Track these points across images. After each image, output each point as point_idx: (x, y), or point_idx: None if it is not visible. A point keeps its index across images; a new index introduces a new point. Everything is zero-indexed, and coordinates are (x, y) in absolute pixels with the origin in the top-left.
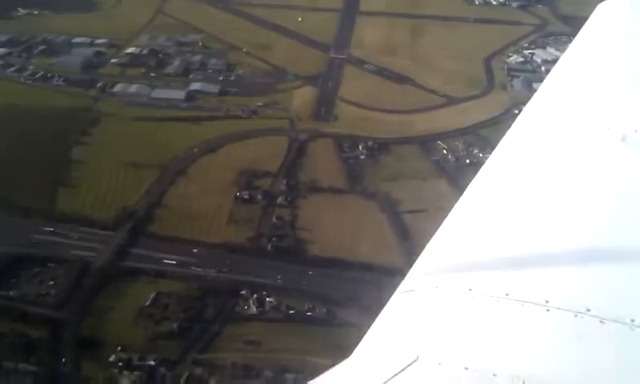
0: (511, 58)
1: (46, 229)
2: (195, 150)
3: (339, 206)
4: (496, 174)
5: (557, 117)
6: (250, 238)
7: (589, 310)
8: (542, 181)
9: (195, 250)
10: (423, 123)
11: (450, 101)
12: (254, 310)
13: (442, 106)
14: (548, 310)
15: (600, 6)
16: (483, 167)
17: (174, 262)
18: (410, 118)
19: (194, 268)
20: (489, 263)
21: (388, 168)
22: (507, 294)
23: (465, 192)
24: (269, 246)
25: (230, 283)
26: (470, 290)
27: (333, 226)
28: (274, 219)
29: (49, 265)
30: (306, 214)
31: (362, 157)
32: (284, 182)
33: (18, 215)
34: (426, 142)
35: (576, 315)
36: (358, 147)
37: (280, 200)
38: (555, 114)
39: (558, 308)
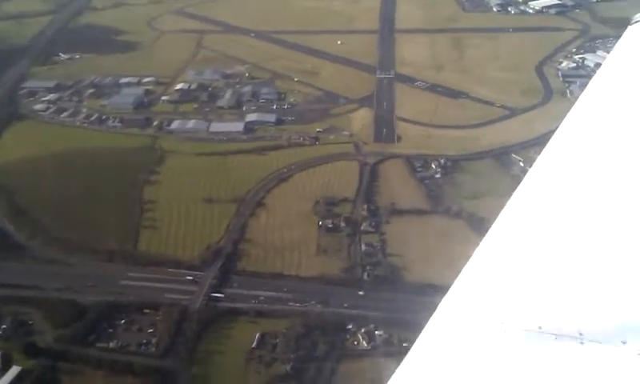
0: (563, 65)
1: (133, 274)
2: (267, 181)
3: (426, 227)
4: (532, 196)
5: (592, 138)
6: (343, 268)
7: (624, 343)
8: (581, 199)
9: (290, 285)
10: (490, 137)
11: (512, 112)
12: (365, 344)
13: (504, 117)
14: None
15: (630, 29)
16: (519, 188)
17: (271, 299)
18: (476, 133)
19: (291, 304)
20: (520, 294)
21: (467, 186)
22: (540, 327)
23: (498, 216)
24: (364, 276)
25: (333, 317)
26: (502, 322)
27: (425, 249)
28: (363, 247)
29: (144, 311)
30: (395, 239)
31: (438, 176)
32: (364, 207)
33: (102, 260)
34: (499, 156)
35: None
36: (430, 166)
37: (364, 226)
38: (590, 135)
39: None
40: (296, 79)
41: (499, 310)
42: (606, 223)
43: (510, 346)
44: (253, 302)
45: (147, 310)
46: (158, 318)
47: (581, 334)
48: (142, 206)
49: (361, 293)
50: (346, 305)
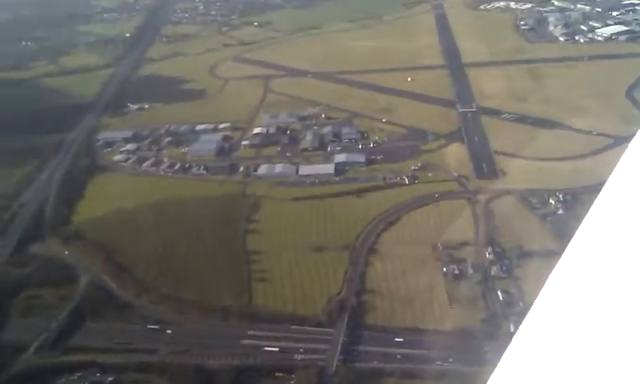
0: None
1: (254, 332)
2: (374, 225)
3: None
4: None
5: None
6: (484, 319)
7: None
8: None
9: (429, 340)
10: (604, 167)
11: (617, 140)
12: None
13: (611, 146)
14: None
15: None
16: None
17: (413, 358)
18: (586, 164)
19: (439, 363)
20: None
21: None
22: None
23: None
24: (511, 328)
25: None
26: None
27: None
28: (499, 295)
29: (277, 375)
30: (533, 285)
31: (560, 212)
32: (488, 250)
33: (218, 319)
34: None
35: None
36: (548, 202)
37: (494, 271)
38: None
39: None
40: (384, 120)
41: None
42: None
43: None
44: (394, 361)
45: (279, 374)
46: (293, 381)
47: None
48: (249, 257)
49: None
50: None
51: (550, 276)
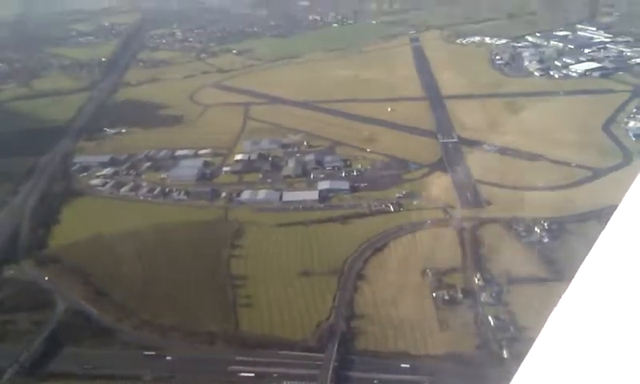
0: (631, 124)
1: (242, 358)
2: (361, 251)
3: (553, 296)
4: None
5: None
6: (477, 345)
7: None
8: None
9: (422, 366)
10: (586, 198)
11: (596, 172)
12: None
13: (591, 178)
14: None
15: None
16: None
17: None
18: (568, 194)
19: None
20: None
21: (584, 249)
22: None
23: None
24: (504, 354)
25: None
26: None
27: None
28: (491, 320)
29: None
30: (523, 310)
31: (546, 240)
32: (477, 276)
33: (204, 344)
34: (605, 217)
35: None
36: (534, 230)
37: (484, 297)
38: None
39: None
40: (368, 150)
41: None
42: None
43: None
44: None
45: None
46: None
47: None
48: (234, 282)
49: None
50: None
51: (561, 300)
